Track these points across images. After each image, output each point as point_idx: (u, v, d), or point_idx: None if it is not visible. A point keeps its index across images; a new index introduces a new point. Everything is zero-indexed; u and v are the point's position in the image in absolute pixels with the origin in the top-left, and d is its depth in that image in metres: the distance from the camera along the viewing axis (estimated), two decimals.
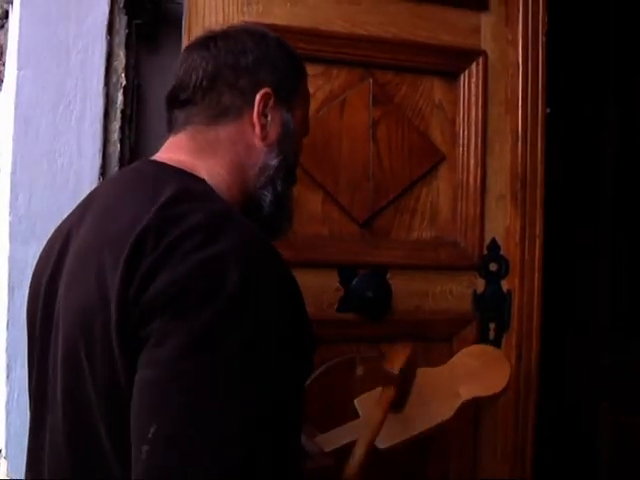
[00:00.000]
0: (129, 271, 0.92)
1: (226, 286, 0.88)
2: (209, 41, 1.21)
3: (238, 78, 1.17)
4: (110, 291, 0.94)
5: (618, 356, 2.87)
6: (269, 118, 1.19)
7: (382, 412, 1.44)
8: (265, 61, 1.20)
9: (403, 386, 1.51)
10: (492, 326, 1.95)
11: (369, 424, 1.43)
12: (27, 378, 1.21)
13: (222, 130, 1.17)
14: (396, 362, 1.49)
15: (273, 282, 0.95)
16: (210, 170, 1.14)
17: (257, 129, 1.18)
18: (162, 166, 1.13)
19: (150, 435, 0.85)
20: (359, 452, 1.37)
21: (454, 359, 1.64)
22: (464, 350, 1.67)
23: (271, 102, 1.19)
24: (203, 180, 1.11)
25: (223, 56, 1.18)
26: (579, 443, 2.99)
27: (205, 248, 0.91)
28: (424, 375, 1.62)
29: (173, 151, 1.18)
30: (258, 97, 1.17)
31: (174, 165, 1.12)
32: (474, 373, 1.59)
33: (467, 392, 1.55)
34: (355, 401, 1.56)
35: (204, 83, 1.17)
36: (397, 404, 1.49)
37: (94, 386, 0.97)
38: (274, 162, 1.20)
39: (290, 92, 1.23)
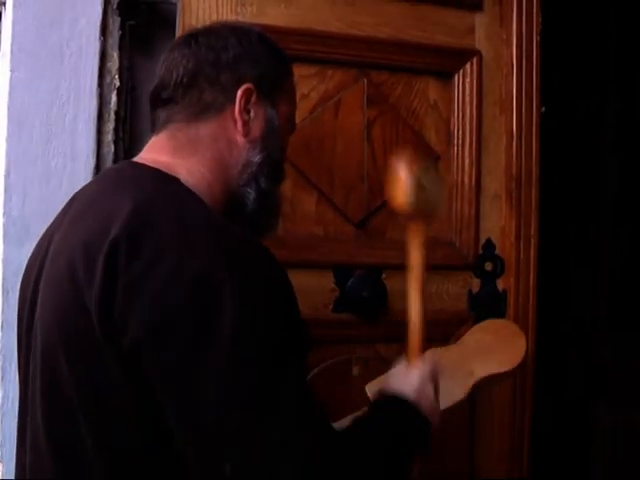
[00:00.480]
0: (107, 291, 0.93)
1: (224, 310, 0.90)
2: (190, 39, 1.20)
3: (219, 74, 1.16)
4: (88, 303, 0.94)
5: (617, 353, 2.87)
6: (252, 114, 1.17)
7: (420, 249, 1.32)
8: (247, 57, 1.18)
9: (426, 209, 1.32)
10: None
11: (411, 267, 1.31)
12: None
13: (203, 127, 1.16)
14: (403, 193, 1.27)
15: (262, 288, 0.95)
16: (191, 169, 1.13)
17: (239, 125, 1.16)
18: (140, 167, 1.13)
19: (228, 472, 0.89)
20: (415, 299, 1.30)
21: (466, 336, 1.55)
22: (476, 326, 1.59)
23: (253, 98, 1.17)
24: (178, 180, 1.08)
25: (204, 52, 1.17)
26: (577, 440, 2.99)
27: (184, 268, 0.92)
28: (434, 355, 1.55)
29: (153, 151, 1.17)
30: (240, 93, 1.15)
31: (152, 166, 1.11)
32: (488, 349, 1.52)
33: (481, 370, 1.46)
34: (366, 387, 1.50)
35: (185, 80, 1.16)
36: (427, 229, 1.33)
37: (76, 387, 0.98)
38: (257, 159, 1.18)
39: (274, 88, 1.21)
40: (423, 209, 1.30)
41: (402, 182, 1.25)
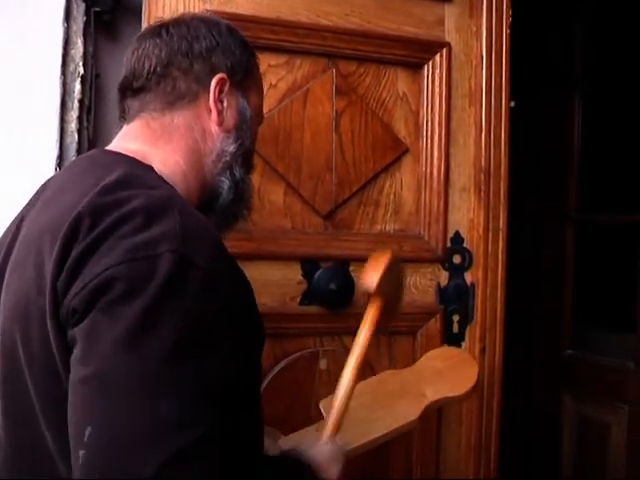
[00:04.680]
0: (61, 260, 0.90)
1: (156, 275, 0.86)
2: (161, 29, 1.19)
3: (192, 64, 1.16)
4: (45, 279, 0.92)
5: (581, 349, 2.89)
6: (225, 104, 1.18)
7: (370, 331, 1.34)
8: (219, 47, 1.19)
9: (387, 298, 1.37)
10: (456, 319, 1.94)
11: (356, 344, 1.33)
12: None
13: (177, 115, 1.16)
14: (374, 274, 1.33)
15: (209, 270, 0.91)
16: (166, 158, 1.12)
17: (213, 114, 1.17)
18: (113, 154, 1.12)
19: (86, 438, 0.82)
20: (348, 376, 1.30)
21: (420, 361, 1.62)
22: (430, 352, 1.66)
23: (227, 88, 1.18)
24: (151, 168, 1.09)
25: (176, 42, 1.17)
26: (542, 435, 3.01)
27: (140, 233, 0.89)
28: (389, 377, 1.61)
29: (126, 140, 1.16)
30: (214, 82, 1.16)
31: (125, 153, 1.10)
32: (441, 374, 1.58)
33: (434, 393, 1.53)
34: (320, 403, 1.52)
35: (158, 70, 1.15)
36: (383, 320, 1.37)
37: (30, 375, 0.95)
38: (231, 148, 1.19)
39: (244, 78, 1.22)
40: (383, 292, 1.36)
41: (380, 262, 1.33)
